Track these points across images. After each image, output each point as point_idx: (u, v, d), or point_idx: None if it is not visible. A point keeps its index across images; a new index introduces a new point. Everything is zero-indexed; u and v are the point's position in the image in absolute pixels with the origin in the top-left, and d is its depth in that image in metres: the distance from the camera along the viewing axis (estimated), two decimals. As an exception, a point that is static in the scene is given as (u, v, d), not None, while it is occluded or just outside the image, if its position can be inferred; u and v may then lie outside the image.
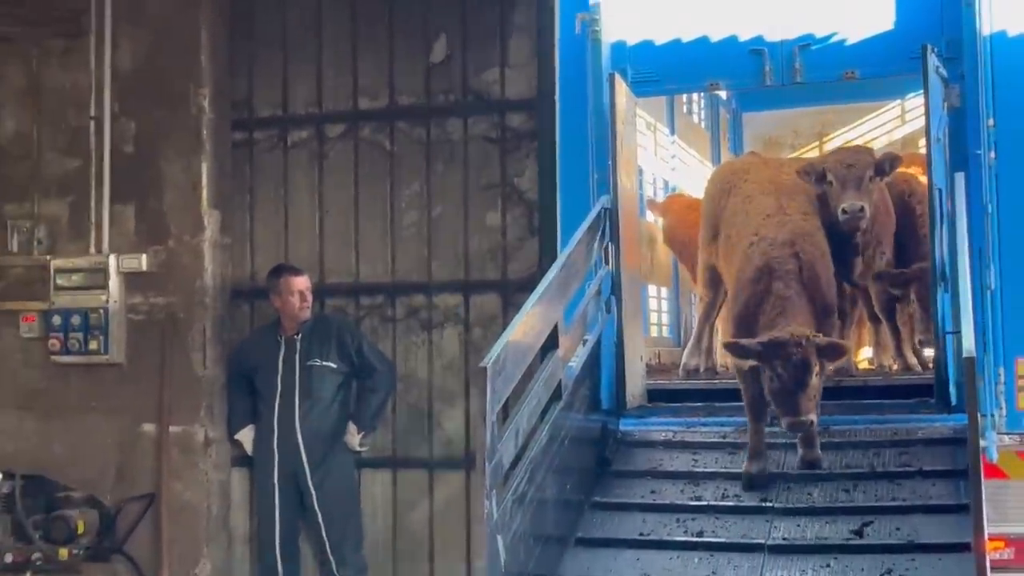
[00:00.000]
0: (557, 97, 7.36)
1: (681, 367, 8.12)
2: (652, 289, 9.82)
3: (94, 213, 8.16)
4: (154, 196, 8.12)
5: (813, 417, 5.50)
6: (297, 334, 7.74)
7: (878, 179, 6.69)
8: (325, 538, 7.59)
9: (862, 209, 6.43)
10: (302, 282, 7.78)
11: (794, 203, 6.37)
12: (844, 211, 6.43)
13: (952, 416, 6.17)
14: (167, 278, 8.06)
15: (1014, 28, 6.64)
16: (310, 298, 7.81)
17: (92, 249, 8.13)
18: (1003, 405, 6.54)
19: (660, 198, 10.40)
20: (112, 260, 8.03)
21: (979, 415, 5.18)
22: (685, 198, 10.09)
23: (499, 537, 4.80)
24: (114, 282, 8.02)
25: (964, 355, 5.09)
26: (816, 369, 5.47)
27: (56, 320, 8.03)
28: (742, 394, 6.09)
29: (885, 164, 6.71)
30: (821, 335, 5.57)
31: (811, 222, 6.30)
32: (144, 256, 8.05)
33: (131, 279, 8.08)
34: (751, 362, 5.67)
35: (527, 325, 5.36)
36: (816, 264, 5.94)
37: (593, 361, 6.52)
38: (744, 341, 5.61)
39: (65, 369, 8.13)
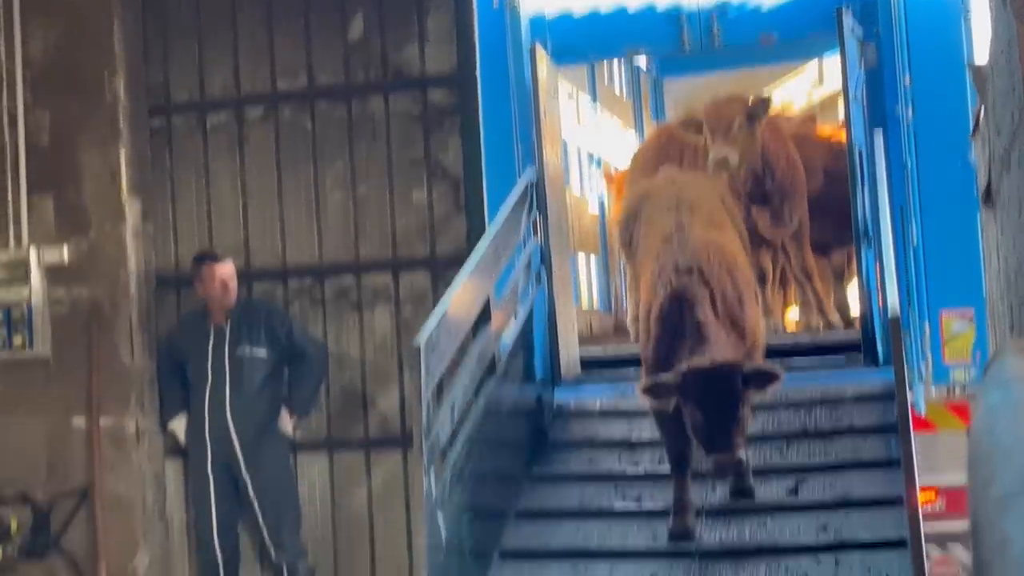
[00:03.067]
0: (478, 71, 7.34)
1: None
2: (581, 258, 9.83)
3: (11, 206, 8.00)
4: (72, 187, 7.98)
5: (742, 455, 4.83)
6: (226, 321, 7.65)
7: (748, 126, 6.77)
8: (262, 525, 7.55)
9: (725, 159, 6.59)
10: (224, 269, 7.68)
11: (696, 216, 5.49)
12: (710, 161, 6.63)
13: (880, 372, 6.20)
14: (90, 269, 7.93)
15: (927, -15, 6.72)
16: (234, 285, 7.71)
17: (11, 243, 7.98)
18: (929, 358, 6.64)
19: (596, 169, 10.42)
20: (33, 253, 7.89)
21: (906, 370, 5.23)
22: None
23: (439, 513, 4.80)
24: (36, 276, 7.88)
25: (889, 315, 5.13)
26: (744, 399, 4.70)
27: (-22, 317, 7.89)
28: (664, 444, 5.46)
29: (757, 110, 6.80)
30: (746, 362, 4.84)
31: (715, 233, 5.47)
32: (65, 248, 7.92)
33: (53, 272, 7.93)
34: (674, 403, 4.84)
35: (458, 301, 5.34)
36: (727, 285, 5.15)
37: (526, 334, 6.51)
38: (661, 377, 4.81)
39: (-11, 367, 7.99)
